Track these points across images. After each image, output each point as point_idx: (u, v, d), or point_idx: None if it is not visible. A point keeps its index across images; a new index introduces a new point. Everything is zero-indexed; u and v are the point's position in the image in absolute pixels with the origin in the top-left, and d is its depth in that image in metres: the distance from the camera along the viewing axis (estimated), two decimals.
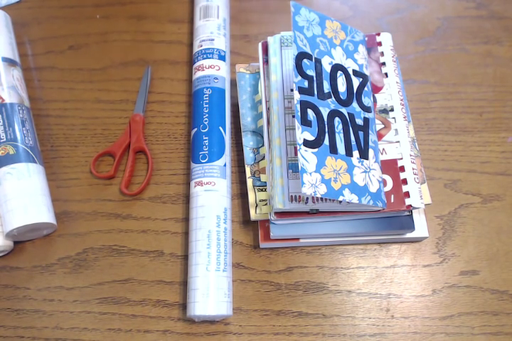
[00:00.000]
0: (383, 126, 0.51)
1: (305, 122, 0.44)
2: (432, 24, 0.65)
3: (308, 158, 0.42)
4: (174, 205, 0.54)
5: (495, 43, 0.63)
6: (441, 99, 0.60)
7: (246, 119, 0.55)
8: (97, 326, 0.49)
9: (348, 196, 0.44)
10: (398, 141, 0.50)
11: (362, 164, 0.46)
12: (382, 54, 0.54)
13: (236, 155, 0.56)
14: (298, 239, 0.50)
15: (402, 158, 0.49)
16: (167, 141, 0.58)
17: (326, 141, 0.44)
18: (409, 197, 0.48)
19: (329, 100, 0.47)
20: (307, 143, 0.43)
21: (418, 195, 0.48)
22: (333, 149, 0.45)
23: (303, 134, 0.43)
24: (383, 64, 0.54)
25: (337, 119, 0.46)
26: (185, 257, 0.51)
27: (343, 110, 0.47)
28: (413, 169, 0.49)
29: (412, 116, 0.58)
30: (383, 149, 0.50)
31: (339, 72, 0.49)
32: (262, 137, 0.53)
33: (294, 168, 0.47)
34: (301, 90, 0.45)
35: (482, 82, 0.61)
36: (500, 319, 0.49)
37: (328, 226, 0.49)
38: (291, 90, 0.50)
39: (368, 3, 0.67)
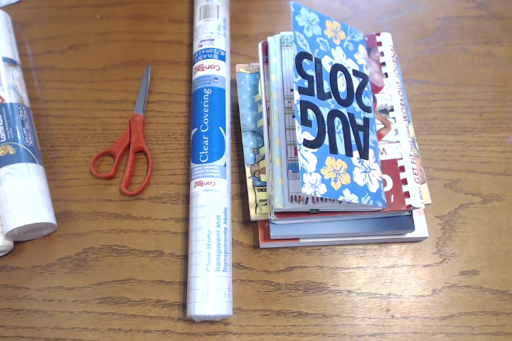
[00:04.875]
0: (383, 126, 0.51)
1: (305, 122, 0.44)
2: (431, 24, 0.65)
3: (308, 158, 0.42)
4: (174, 205, 0.54)
5: (495, 43, 0.63)
6: (441, 99, 0.60)
7: (246, 119, 0.55)
8: (97, 326, 0.49)
9: (348, 196, 0.44)
10: (398, 141, 0.50)
11: (362, 164, 0.46)
12: (382, 54, 0.54)
13: (236, 155, 0.56)
14: (298, 239, 0.50)
15: (402, 158, 0.49)
16: (167, 141, 0.58)
17: (326, 141, 0.44)
18: (409, 197, 0.48)
19: (329, 100, 0.47)
20: (307, 143, 0.43)
21: (418, 195, 0.48)
22: (333, 149, 0.45)
23: (303, 134, 0.43)
24: (383, 64, 0.54)
25: (337, 119, 0.46)
26: (185, 257, 0.51)
27: (343, 110, 0.47)
28: (413, 169, 0.49)
29: (412, 116, 0.58)
30: (383, 149, 0.50)
31: (339, 72, 0.49)
32: (262, 137, 0.53)
33: (294, 168, 0.47)
34: (301, 90, 0.45)
35: (482, 82, 0.61)
36: (500, 319, 0.49)
37: (328, 226, 0.49)
38: (291, 90, 0.50)
39: (367, 3, 0.67)
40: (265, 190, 0.50)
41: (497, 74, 0.61)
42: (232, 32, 0.64)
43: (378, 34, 0.55)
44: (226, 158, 0.52)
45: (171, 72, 0.62)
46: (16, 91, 0.55)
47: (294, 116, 0.49)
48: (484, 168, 0.56)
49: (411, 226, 0.49)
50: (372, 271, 0.51)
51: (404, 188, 0.48)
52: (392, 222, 0.49)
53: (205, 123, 0.53)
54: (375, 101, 0.52)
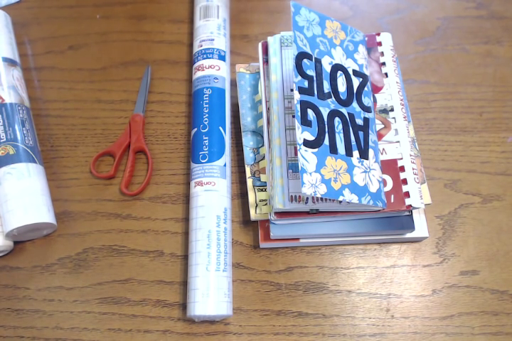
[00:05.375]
0: (383, 126, 0.51)
1: (305, 122, 0.44)
2: (431, 24, 0.65)
3: (308, 158, 0.42)
4: (174, 205, 0.54)
5: (495, 43, 0.63)
6: (441, 99, 0.60)
7: (246, 119, 0.55)
8: (97, 326, 0.49)
9: (348, 196, 0.44)
10: (398, 141, 0.50)
11: (362, 164, 0.46)
12: (382, 54, 0.54)
13: (236, 155, 0.56)
14: (298, 239, 0.50)
15: (402, 158, 0.49)
16: (167, 141, 0.58)
17: (326, 141, 0.44)
18: (409, 197, 0.48)
19: (329, 100, 0.47)
20: (307, 143, 0.43)
21: (418, 195, 0.48)
22: (333, 149, 0.45)
23: (303, 134, 0.43)
24: (383, 64, 0.54)
25: (337, 119, 0.46)
26: (185, 257, 0.51)
27: (343, 110, 0.47)
28: (413, 169, 0.49)
29: (412, 116, 0.58)
30: (383, 149, 0.50)
31: (339, 72, 0.49)
32: (262, 137, 0.53)
33: (294, 168, 0.47)
34: (301, 90, 0.45)
35: (482, 82, 0.61)
36: (500, 319, 0.49)
37: (328, 226, 0.49)
38: (291, 90, 0.50)
39: (367, 3, 0.67)
40: (265, 190, 0.50)
41: (497, 74, 0.61)
42: (232, 32, 0.64)
43: (378, 34, 0.55)
44: (226, 158, 0.52)
45: (171, 72, 0.62)
46: (16, 92, 0.55)
47: (294, 116, 0.49)
48: (484, 168, 0.56)
49: (411, 226, 0.49)
50: (372, 271, 0.51)
51: (404, 188, 0.48)
52: (392, 222, 0.49)
53: (205, 123, 0.53)
54: (375, 101, 0.52)
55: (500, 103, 0.60)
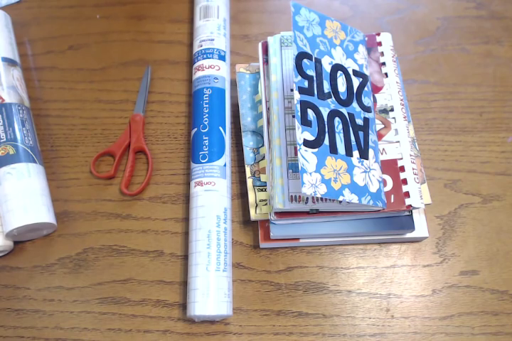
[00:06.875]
0: (383, 126, 0.51)
1: (305, 122, 0.44)
2: (432, 24, 0.65)
3: (308, 158, 0.42)
4: (174, 205, 0.54)
5: (495, 43, 0.63)
6: (441, 99, 0.60)
7: (246, 119, 0.55)
8: (97, 326, 0.49)
9: (348, 196, 0.44)
10: (398, 141, 0.50)
11: (362, 164, 0.46)
12: (382, 54, 0.54)
13: (236, 155, 0.56)
14: (298, 239, 0.50)
15: (402, 158, 0.49)
16: (167, 141, 0.58)
17: (326, 141, 0.44)
18: (409, 197, 0.48)
19: (329, 100, 0.47)
20: (307, 143, 0.43)
21: (418, 195, 0.48)
22: (333, 149, 0.45)
23: (303, 134, 0.43)
24: (383, 64, 0.54)
25: (337, 119, 0.46)
26: (185, 257, 0.51)
27: (343, 110, 0.47)
28: (413, 169, 0.49)
29: (412, 116, 0.58)
30: (383, 149, 0.50)
31: (339, 72, 0.49)
32: (262, 137, 0.53)
33: (294, 168, 0.47)
34: (301, 90, 0.45)
35: (482, 82, 0.61)
36: (500, 319, 0.49)
37: (328, 226, 0.49)
38: (291, 90, 0.50)
39: (367, 3, 0.67)
40: (265, 190, 0.50)
41: (497, 74, 0.61)
42: (232, 32, 0.64)
43: (378, 34, 0.55)
44: (226, 158, 0.52)
45: (171, 72, 0.62)
46: (16, 91, 0.55)
47: (294, 116, 0.49)
48: (484, 168, 0.56)
49: (411, 226, 0.49)
50: (372, 271, 0.51)
51: (404, 188, 0.48)
52: (392, 221, 0.49)
53: (205, 123, 0.53)
54: (375, 101, 0.52)
55: (500, 103, 0.60)
